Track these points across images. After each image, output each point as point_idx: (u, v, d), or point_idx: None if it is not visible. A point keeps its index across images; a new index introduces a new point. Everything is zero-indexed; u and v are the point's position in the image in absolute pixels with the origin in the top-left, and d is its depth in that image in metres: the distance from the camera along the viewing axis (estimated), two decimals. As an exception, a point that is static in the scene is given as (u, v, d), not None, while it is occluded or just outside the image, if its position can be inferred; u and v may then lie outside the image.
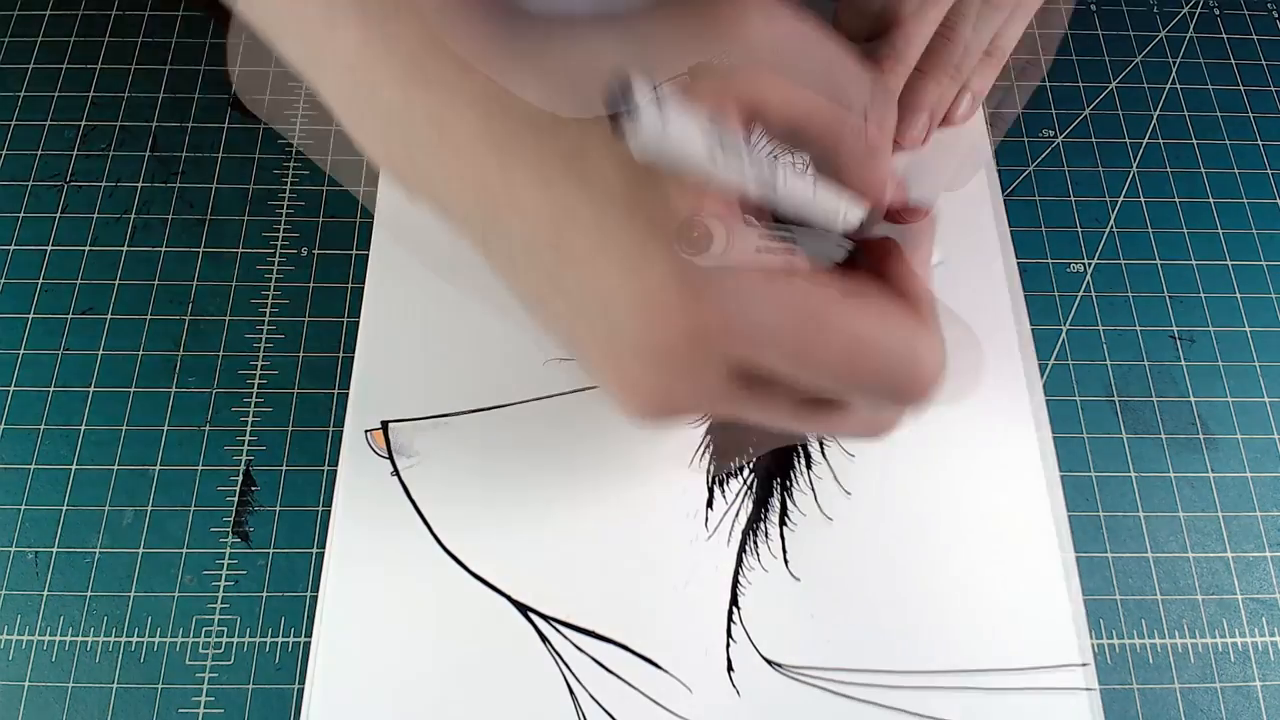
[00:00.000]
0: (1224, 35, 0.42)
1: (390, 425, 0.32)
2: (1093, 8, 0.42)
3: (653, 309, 0.21)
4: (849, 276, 0.22)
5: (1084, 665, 0.29)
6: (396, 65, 0.24)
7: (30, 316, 0.35)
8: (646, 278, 0.21)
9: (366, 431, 0.32)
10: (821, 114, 0.22)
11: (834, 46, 0.23)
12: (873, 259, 0.25)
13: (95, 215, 0.37)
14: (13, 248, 0.36)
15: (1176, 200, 0.38)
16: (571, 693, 0.29)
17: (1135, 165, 0.39)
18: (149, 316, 0.35)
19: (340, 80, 0.25)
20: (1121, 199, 0.38)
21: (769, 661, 0.29)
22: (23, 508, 0.32)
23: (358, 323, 0.34)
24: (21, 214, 0.37)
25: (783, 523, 0.31)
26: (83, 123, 0.38)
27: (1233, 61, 0.41)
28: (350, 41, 0.24)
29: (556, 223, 0.22)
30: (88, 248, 0.36)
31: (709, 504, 0.31)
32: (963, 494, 0.31)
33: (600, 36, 0.23)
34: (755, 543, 0.31)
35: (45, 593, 0.31)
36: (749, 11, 0.22)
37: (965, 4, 0.34)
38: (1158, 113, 0.40)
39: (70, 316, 0.35)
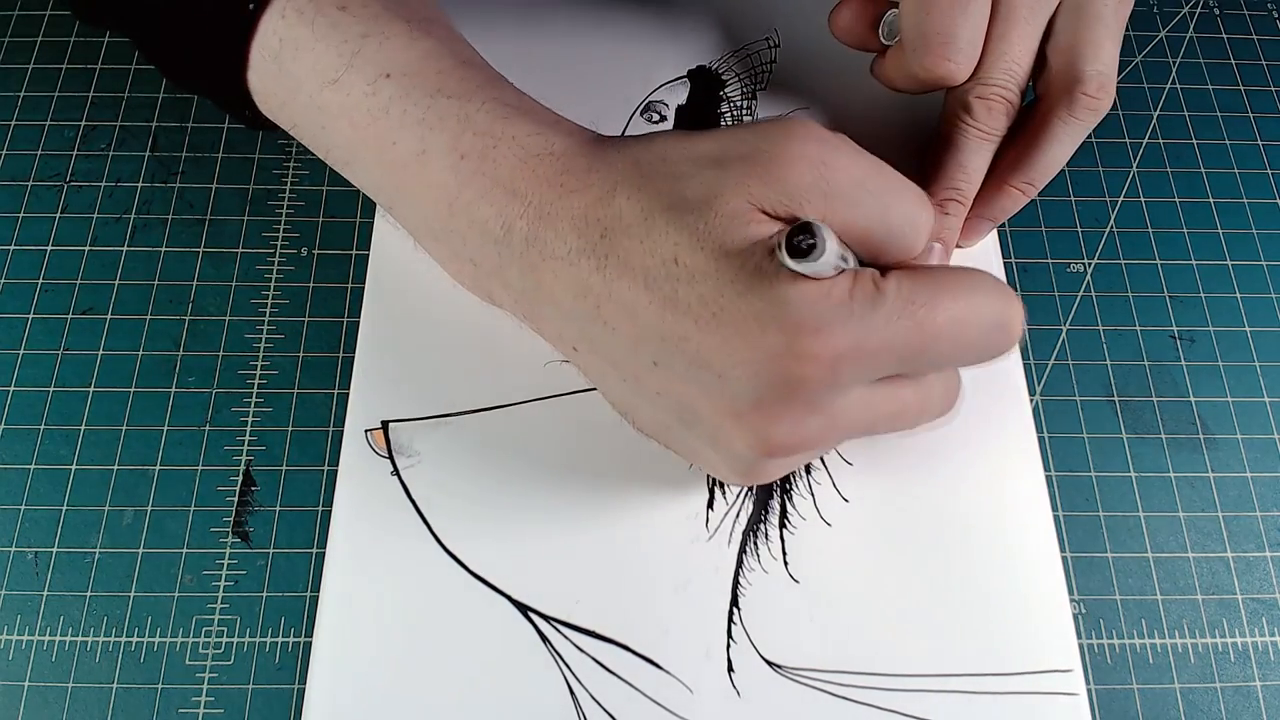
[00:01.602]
0: (1224, 35, 0.42)
1: (390, 425, 0.32)
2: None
3: (783, 359, 0.23)
4: (921, 270, 0.25)
5: (1067, 671, 0.29)
6: (496, 190, 0.27)
7: (30, 316, 0.35)
8: (767, 339, 0.23)
9: (366, 431, 0.32)
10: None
11: (895, 177, 0.25)
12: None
13: (95, 215, 0.37)
14: (13, 248, 0.36)
15: (1176, 200, 0.38)
16: (571, 693, 0.29)
17: (1135, 165, 0.39)
18: (149, 316, 0.35)
19: (430, 202, 0.28)
20: (1121, 199, 0.38)
21: (769, 663, 0.29)
22: (23, 508, 0.32)
23: (358, 323, 0.34)
24: (21, 214, 0.37)
25: (783, 525, 0.31)
26: (83, 123, 0.38)
27: (1233, 61, 0.41)
28: (445, 172, 0.27)
29: (662, 315, 0.24)
30: (88, 248, 0.36)
31: (710, 505, 0.31)
32: (960, 500, 0.31)
33: (693, 141, 0.26)
34: (755, 544, 0.31)
35: (45, 593, 0.31)
36: (816, 150, 0.24)
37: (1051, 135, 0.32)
38: (1158, 113, 0.40)
39: (70, 316, 0.35)
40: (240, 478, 0.32)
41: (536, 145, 0.27)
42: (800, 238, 0.21)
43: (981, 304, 0.24)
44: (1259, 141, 0.40)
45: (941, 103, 0.33)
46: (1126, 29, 0.39)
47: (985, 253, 0.36)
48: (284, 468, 0.33)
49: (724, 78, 0.39)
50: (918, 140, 0.36)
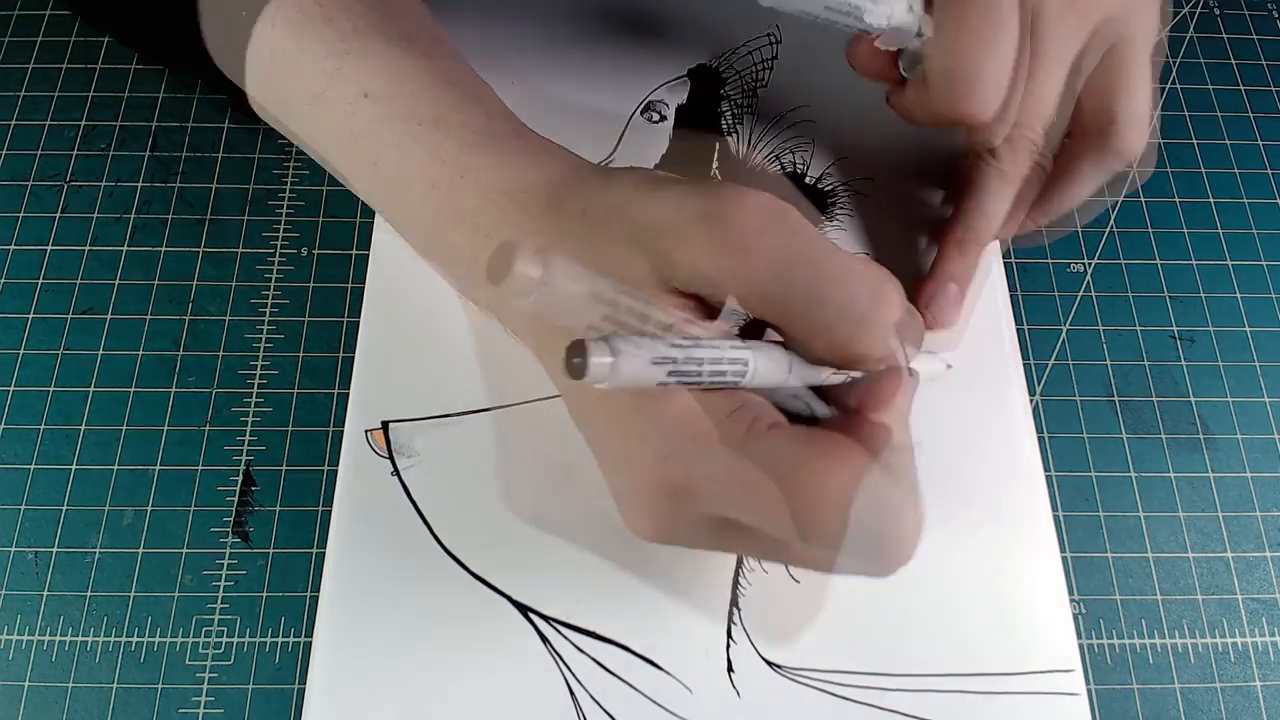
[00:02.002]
0: (1224, 35, 0.42)
1: (390, 425, 0.32)
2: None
3: (635, 468, 0.23)
4: (819, 434, 0.22)
5: (1069, 671, 0.29)
6: (462, 224, 0.27)
7: (30, 316, 0.35)
8: (629, 443, 0.23)
9: (366, 431, 0.32)
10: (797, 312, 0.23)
11: (838, 268, 0.23)
12: (846, 408, 0.25)
13: (95, 215, 0.37)
14: (13, 248, 0.36)
15: (1176, 200, 0.38)
16: (571, 693, 0.29)
17: (1135, 165, 0.39)
18: (149, 316, 0.35)
19: (414, 224, 0.29)
20: (1121, 199, 0.38)
21: (769, 663, 0.29)
22: (23, 508, 0.32)
23: (358, 323, 0.34)
24: (21, 214, 0.37)
25: (783, 523, 0.31)
26: (83, 123, 0.38)
27: (1233, 61, 0.41)
28: (420, 199, 0.28)
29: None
30: (88, 248, 0.36)
31: (709, 504, 0.31)
32: (960, 499, 0.31)
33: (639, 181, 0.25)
34: (755, 543, 0.31)
35: (45, 593, 0.31)
36: (755, 219, 0.22)
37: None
38: (1158, 113, 0.40)
39: (70, 316, 0.35)
40: (240, 478, 0.32)
41: (498, 181, 0.27)
42: (576, 358, 0.18)
43: (865, 486, 0.21)
44: (1259, 141, 0.40)
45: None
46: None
47: (985, 253, 0.36)
48: (284, 468, 0.33)
49: (724, 76, 0.39)
50: (917, 139, 0.36)
